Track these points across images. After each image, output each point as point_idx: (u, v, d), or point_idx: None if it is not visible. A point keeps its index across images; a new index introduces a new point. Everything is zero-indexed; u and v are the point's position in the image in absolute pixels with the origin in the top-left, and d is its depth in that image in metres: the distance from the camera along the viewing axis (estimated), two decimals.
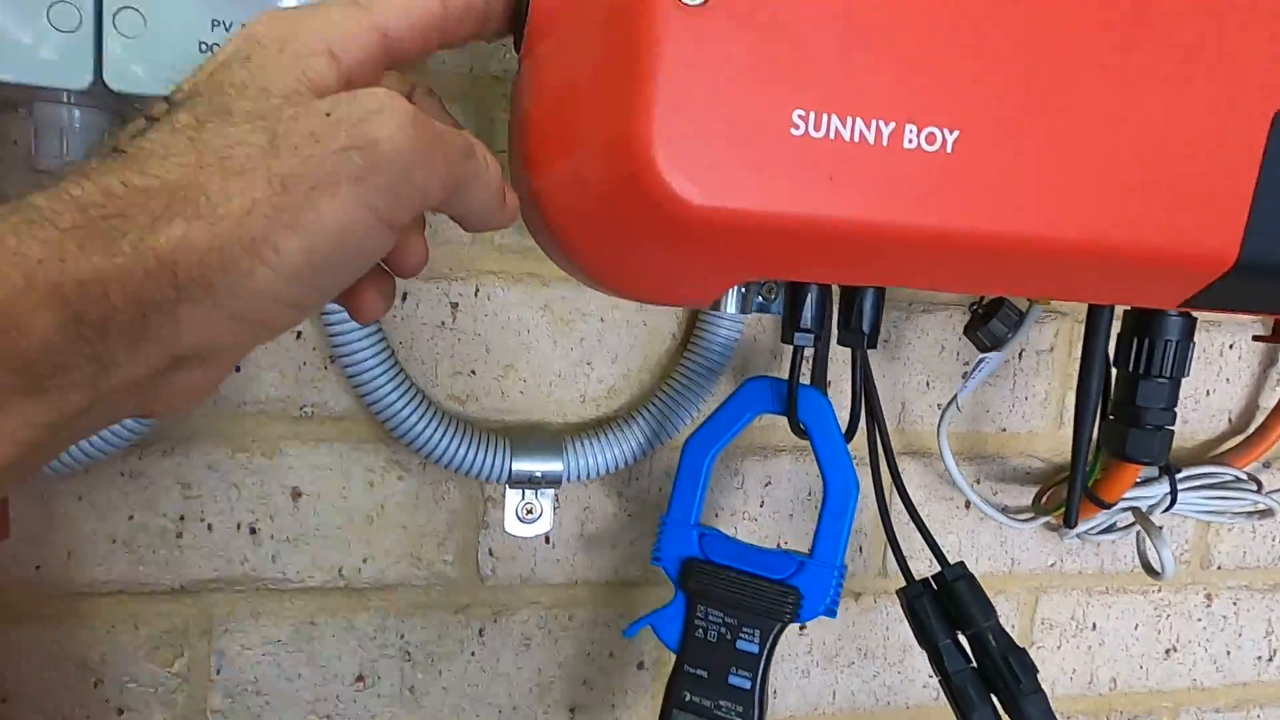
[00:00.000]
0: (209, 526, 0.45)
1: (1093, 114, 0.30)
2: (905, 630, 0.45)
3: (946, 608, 0.41)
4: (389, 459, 0.47)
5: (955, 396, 0.49)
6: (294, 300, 0.23)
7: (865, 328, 0.38)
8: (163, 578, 0.45)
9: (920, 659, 0.56)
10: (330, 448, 0.46)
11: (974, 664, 0.41)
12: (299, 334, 0.44)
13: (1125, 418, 0.43)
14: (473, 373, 0.47)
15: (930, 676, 0.58)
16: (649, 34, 0.26)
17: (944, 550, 0.44)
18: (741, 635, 0.40)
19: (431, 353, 0.46)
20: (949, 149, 0.28)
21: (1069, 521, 0.43)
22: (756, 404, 0.42)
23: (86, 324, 0.20)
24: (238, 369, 0.44)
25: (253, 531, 0.46)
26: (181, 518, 0.45)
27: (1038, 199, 0.30)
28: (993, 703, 0.40)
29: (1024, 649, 0.40)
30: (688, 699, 0.40)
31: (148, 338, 0.21)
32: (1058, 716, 0.41)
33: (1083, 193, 0.30)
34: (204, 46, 0.34)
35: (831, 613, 0.40)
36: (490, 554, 0.49)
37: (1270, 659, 0.65)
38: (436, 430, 0.44)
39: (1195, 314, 0.42)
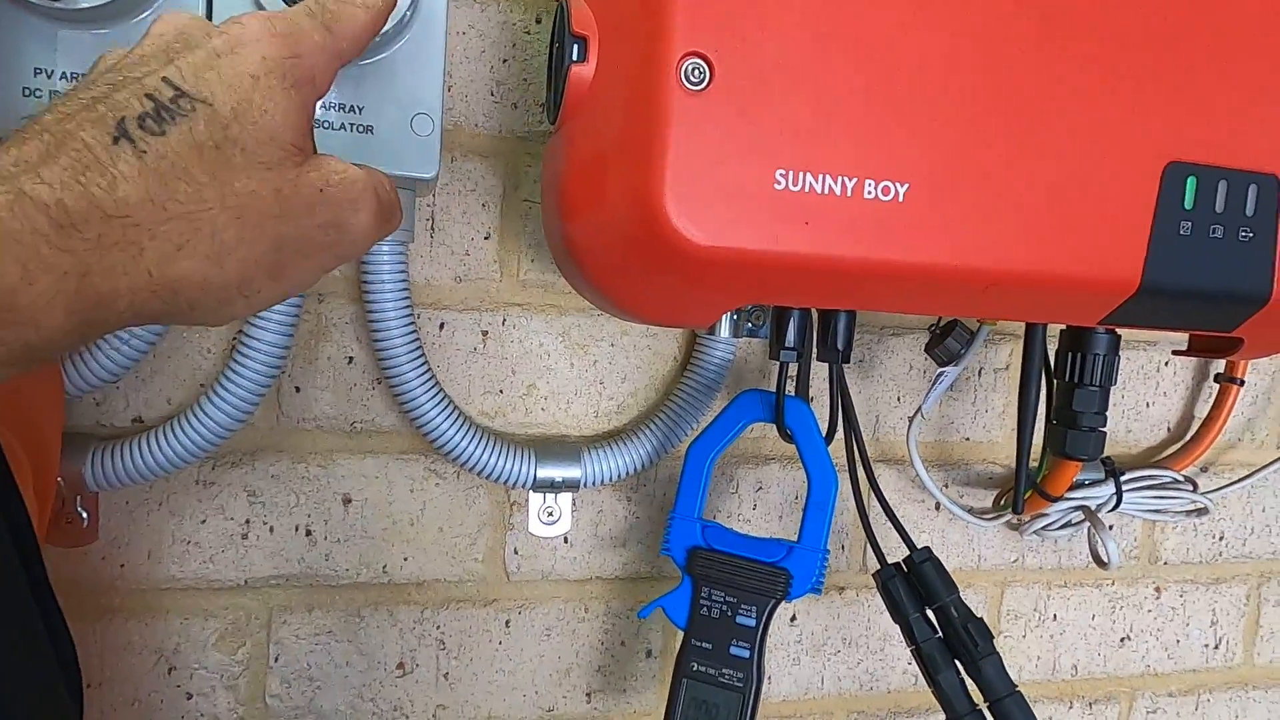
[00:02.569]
0: (270, 529, 0.51)
1: (1018, 167, 0.37)
2: (885, 621, 0.51)
3: (915, 586, 0.48)
4: (427, 468, 0.53)
5: (920, 407, 0.56)
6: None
7: (840, 345, 0.45)
8: (229, 575, 0.51)
9: (899, 647, 0.63)
10: (376, 459, 0.52)
11: (939, 634, 0.47)
12: (350, 359, 0.51)
13: (1064, 421, 0.50)
14: (501, 391, 0.54)
15: (909, 663, 0.64)
16: (662, 112, 0.33)
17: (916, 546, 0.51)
18: (740, 611, 0.46)
19: (465, 374, 0.53)
20: (900, 198, 0.36)
21: (1016, 509, 0.50)
22: (749, 412, 0.49)
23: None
24: (297, 389, 0.50)
25: (308, 533, 0.52)
26: (247, 521, 0.51)
27: (973, 237, 0.37)
28: (956, 666, 0.46)
29: (981, 618, 0.47)
30: (695, 668, 0.46)
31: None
32: (1028, 701, 0.47)
33: (1011, 232, 0.37)
34: None
35: (817, 590, 0.47)
36: (515, 553, 0.55)
37: (1216, 647, 0.71)
38: (471, 442, 0.50)
39: (1121, 331, 0.49)
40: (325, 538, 0.52)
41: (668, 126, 0.33)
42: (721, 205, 0.34)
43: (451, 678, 0.55)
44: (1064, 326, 0.50)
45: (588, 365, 0.55)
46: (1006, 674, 0.46)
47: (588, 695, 0.58)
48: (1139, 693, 0.70)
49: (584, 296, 0.44)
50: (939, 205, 0.36)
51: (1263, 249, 0.41)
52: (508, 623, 0.56)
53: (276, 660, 0.52)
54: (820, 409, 0.52)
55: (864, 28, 0.35)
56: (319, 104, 0.42)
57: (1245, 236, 0.40)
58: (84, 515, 0.48)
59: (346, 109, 0.42)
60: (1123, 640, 0.69)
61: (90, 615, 0.49)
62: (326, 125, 0.42)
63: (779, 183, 0.34)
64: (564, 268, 0.42)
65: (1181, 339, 0.52)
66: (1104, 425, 0.50)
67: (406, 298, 0.48)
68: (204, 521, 0.50)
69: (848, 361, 0.46)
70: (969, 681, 0.47)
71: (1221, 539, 0.70)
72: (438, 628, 0.55)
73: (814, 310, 0.47)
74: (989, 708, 0.46)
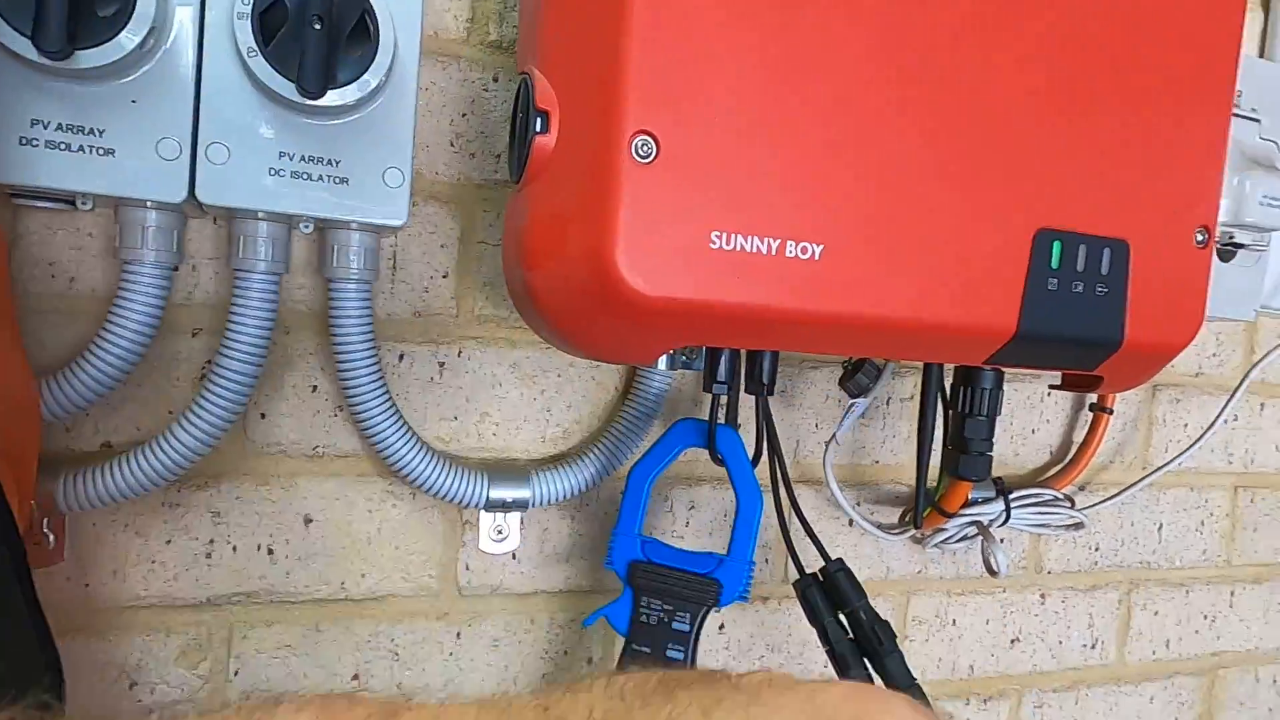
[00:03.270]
0: (234, 548, 0.54)
1: (914, 233, 0.44)
2: (804, 629, 0.57)
3: (830, 593, 0.54)
4: (385, 490, 0.57)
5: (834, 434, 0.63)
6: None
7: (765, 379, 0.51)
8: (192, 592, 0.53)
9: (816, 652, 0.69)
10: (337, 481, 0.56)
11: (850, 635, 0.53)
12: (314, 388, 0.54)
13: (958, 446, 0.57)
14: (455, 418, 0.58)
15: (825, 666, 0.70)
16: (615, 181, 0.39)
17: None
18: (676, 618, 0.51)
19: (423, 402, 0.57)
20: (816, 257, 0.42)
21: (917, 525, 0.57)
22: (685, 438, 0.55)
23: None
24: (263, 415, 0.54)
25: (270, 552, 0.55)
26: (211, 541, 0.53)
27: (877, 291, 0.43)
28: (865, 664, 0.53)
29: (886, 621, 0.53)
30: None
31: None
32: (928, 698, 0.53)
33: (908, 287, 0.44)
34: (272, 171, 0.45)
35: (744, 598, 0.52)
36: (467, 569, 0.59)
37: (1093, 647, 0.80)
38: (428, 465, 0.54)
39: (1004, 369, 0.57)
40: (286, 556, 0.55)
41: (619, 193, 0.39)
42: (665, 261, 0.39)
43: (404, 688, 0.59)
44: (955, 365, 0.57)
45: (536, 395, 0.59)
46: (907, 668, 0.52)
47: None
48: (1027, 689, 0.78)
49: (541, 335, 0.49)
50: (849, 264, 0.43)
51: (1116, 302, 0.48)
52: (458, 634, 0.60)
53: (237, 674, 0.55)
54: (747, 435, 0.58)
55: (787, 112, 0.41)
56: (298, 156, 0.46)
57: (1101, 292, 0.48)
58: (50, 537, 0.50)
59: (325, 162, 0.46)
60: (1013, 642, 0.77)
61: (56, 634, 0.51)
62: (305, 176, 0.46)
63: (714, 243, 0.40)
64: (524, 311, 0.47)
65: (1056, 375, 0.59)
66: (991, 450, 0.57)
67: (370, 331, 0.52)
68: (169, 541, 0.53)
69: (772, 394, 0.52)
70: (876, 678, 0.53)
71: (1097, 550, 0.79)
72: (392, 640, 0.58)
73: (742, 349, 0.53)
74: None
